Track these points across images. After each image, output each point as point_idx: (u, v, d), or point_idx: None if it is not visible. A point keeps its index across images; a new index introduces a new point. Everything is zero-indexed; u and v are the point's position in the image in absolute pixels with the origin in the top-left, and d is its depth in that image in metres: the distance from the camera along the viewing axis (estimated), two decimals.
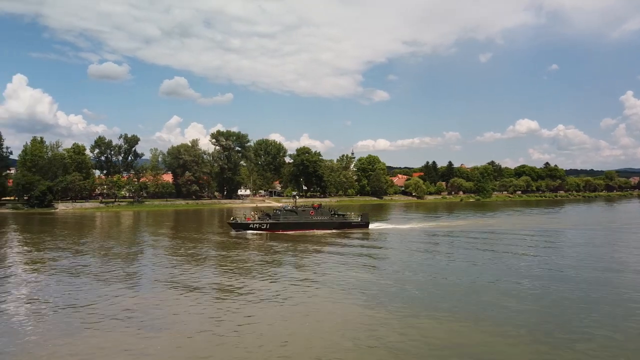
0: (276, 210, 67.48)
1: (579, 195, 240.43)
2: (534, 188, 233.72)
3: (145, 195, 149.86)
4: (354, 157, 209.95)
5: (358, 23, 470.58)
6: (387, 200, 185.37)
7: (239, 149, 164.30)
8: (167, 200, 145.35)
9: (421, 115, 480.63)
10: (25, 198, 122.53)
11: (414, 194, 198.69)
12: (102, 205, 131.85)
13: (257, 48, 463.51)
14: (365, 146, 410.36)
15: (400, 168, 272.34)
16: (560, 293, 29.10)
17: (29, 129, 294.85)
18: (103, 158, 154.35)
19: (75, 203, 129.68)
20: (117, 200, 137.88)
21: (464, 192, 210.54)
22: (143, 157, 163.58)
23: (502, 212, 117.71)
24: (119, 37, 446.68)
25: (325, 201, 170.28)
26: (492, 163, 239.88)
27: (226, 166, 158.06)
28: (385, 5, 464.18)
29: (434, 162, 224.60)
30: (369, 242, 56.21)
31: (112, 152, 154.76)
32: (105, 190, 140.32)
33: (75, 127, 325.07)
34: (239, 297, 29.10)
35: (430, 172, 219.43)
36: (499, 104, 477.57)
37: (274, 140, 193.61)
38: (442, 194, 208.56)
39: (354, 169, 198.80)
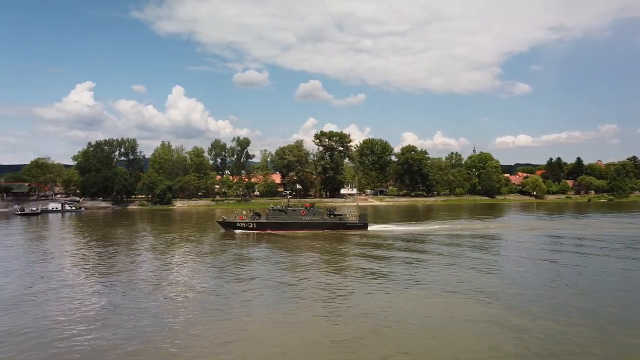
0: (268, 209, 66.23)
1: None
2: None
3: (257, 194, 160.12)
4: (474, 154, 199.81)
5: (495, 13, 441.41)
6: (500, 200, 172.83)
7: (341, 148, 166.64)
8: (272, 199, 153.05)
9: (569, 107, 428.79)
10: (149, 196, 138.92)
11: (534, 193, 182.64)
12: (212, 203, 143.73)
13: (389, 47, 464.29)
14: (504, 142, 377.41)
15: (542, 165, 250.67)
16: None
17: (186, 135, 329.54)
18: (219, 160, 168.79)
19: (190, 201, 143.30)
20: (227, 198, 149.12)
21: (595, 192, 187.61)
22: (254, 159, 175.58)
23: (616, 214, 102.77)
24: (259, 46, 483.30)
25: (430, 200, 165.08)
26: (633, 159, 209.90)
27: (328, 166, 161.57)
28: None
29: (558, 159, 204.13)
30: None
31: (226, 154, 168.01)
32: (216, 189, 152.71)
33: (223, 132, 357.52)
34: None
35: (554, 169, 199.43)
36: None
37: (380, 139, 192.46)
38: (567, 193, 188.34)
39: (465, 167, 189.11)
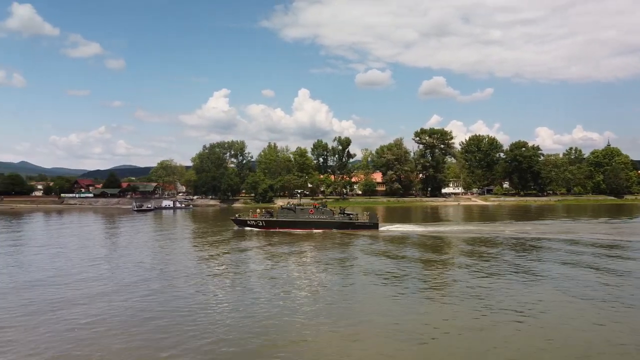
0: (279, 208, 66.20)
1: None
2: None
3: (358, 192, 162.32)
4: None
5: None
6: (629, 200, 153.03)
7: (443, 146, 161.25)
8: (370, 198, 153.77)
9: None
10: (252, 195, 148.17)
11: None
12: (311, 200, 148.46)
13: (521, 36, 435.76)
14: None
15: None
16: None
17: (311, 136, 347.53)
18: (321, 159, 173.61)
19: (291, 199, 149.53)
20: (326, 197, 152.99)
21: None
22: (355, 158, 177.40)
23: None
24: (381, 45, 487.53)
25: (542, 200, 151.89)
26: None
27: (428, 164, 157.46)
28: None
29: None
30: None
31: (327, 154, 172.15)
32: (315, 188, 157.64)
33: (346, 132, 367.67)
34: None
35: None
36: None
37: (488, 136, 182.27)
38: None
39: (587, 164, 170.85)
